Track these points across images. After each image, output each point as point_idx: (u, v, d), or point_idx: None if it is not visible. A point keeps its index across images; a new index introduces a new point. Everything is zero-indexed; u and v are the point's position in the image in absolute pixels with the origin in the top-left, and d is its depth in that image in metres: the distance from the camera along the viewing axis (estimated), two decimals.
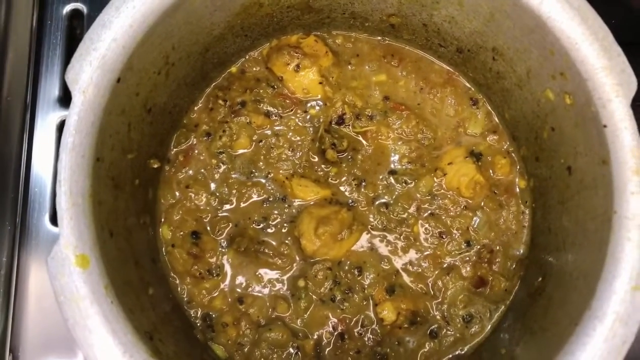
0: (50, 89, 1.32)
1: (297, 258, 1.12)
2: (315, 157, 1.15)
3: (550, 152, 1.03)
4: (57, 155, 1.24)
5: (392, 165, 1.16)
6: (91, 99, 0.83)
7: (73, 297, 0.78)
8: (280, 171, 1.15)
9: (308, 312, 1.10)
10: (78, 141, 0.82)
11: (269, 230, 1.13)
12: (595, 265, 0.84)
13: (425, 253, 1.13)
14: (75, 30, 1.38)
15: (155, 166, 1.10)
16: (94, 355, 0.77)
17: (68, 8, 1.37)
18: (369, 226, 1.13)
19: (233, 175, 1.15)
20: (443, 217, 1.14)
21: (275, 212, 1.14)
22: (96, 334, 0.78)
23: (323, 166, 1.15)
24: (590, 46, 0.85)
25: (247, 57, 1.20)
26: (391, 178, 1.15)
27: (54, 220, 1.25)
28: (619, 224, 0.82)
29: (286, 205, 1.14)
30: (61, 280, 0.78)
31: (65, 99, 1.31)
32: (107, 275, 0.81)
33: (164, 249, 1.13)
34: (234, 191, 1.14)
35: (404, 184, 1.15)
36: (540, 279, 1.04)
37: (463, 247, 1.13)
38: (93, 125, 0.84)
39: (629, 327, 0.78)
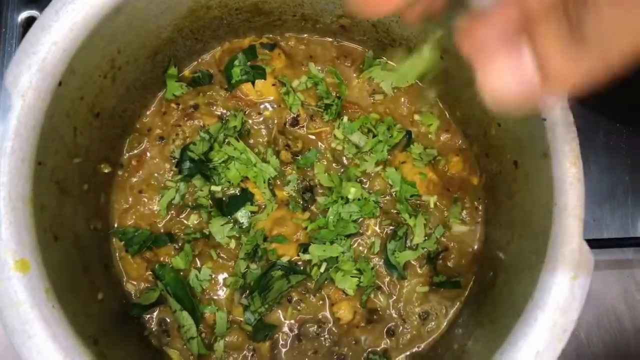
0: (5, 99, 1.30)
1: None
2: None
3: (498, 148, 1.05)
4: None
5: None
6: (31, 102, 0.83)
7: (12, 303, 0.77)
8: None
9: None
10: (17, 145, 0.81)
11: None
12: (538, 257, 0.85)
13: (378, 251, 1.13)
14: None
15: (107, 171, 1.09)
16: None
17: (23, 15, 1.35)
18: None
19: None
20: (397, 215, 1.15)
21: None
22: (36, 339, 0.77)
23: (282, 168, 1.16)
24: None
25: (199, 61, 1.20)
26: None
27: None
28: (559, 215, 0.83)
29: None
30: (0, 286, 0.77)
31: None
32: (48, 279, 0.80)
33: (117, 254, 1.12)
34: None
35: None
36: (491, 273, 1.05)
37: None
38: (34, 129, 0.83)
39: (569, 315, 0.80)
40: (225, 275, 1.12)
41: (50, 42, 0.84)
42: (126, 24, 0.94)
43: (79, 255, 0.95)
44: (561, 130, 0.85)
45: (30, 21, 1.35)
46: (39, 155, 0.84)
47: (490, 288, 1.03)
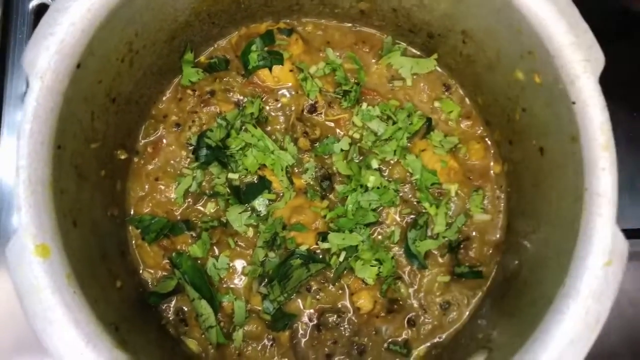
0: (17, 86, 1.29)
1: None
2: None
3: (522, 134, 1.03)
4: None
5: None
6: (49, 84, 0.81)
7: (33, 288, 0.75)
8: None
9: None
10: (37, 128, 0.79)
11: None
12: (568, 244, 0.83)
13: (398, 240, 1.11)
14: None
15: (123, 157, 1.08)
16: (55, 347, 0.74)
17: (34, 3, 1.33)
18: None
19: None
20: (417, 204, 1.13)
21: None
22: (58, 325, 0.75)
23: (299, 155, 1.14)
24: (557, 23, 0.85)
25: (215, 46, 1.18)
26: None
27: None
28: (590, 200, 0.81)
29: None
30: (20, 271, 0.76)
31: None
32: (69, 264, 0.78)
33: (133, 242, 1.10)
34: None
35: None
36: (516, 262, 1.03)
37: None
38: (52, 111, 0.81)
39: (602, 303, 0.78)
40: (244, 263, 1.10)
41: (69, 22, 0.82)
42: (144, 5, 0.92)
43: (97, 242, 0.93)
44: (592, 113, 0.83)
45: (41, 8, 1.33)
46: (57, 138, 0.82)
47: (515, 277, 1.01)
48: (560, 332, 0.78)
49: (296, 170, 1.14)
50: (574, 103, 0.84)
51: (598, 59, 0.83)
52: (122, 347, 0.79)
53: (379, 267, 1.09)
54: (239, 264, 1.10)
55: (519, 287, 0.98)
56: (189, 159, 1.13)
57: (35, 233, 0.77)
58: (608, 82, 0.85)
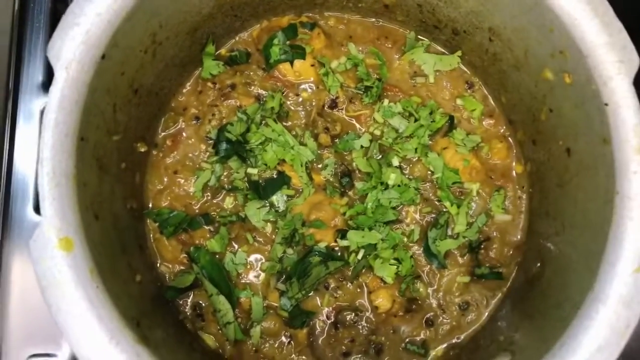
0: (33, 74, 1.28)
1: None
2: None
3: (548, 135, 1.01)
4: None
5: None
6: (74, 75, 0.80)
7: (56, 282, 0.74)
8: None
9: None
10: (61, 119, 0.78)
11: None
12: (597, 247, 0.81)
13: (418, 239, 1.10)
14: (60, 13, 1.32)
15: (143, 150, 1.07)
16: (78, 342, 0.74)
17: None
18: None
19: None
20: (437, 203, 1.12)
21: None
22: (81, 320, 0.74)
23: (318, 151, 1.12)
24: (591, 22, 0.83)
25: (236, 39, 1.17)
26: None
27: (37, 209, 1.21)
28: (621, 204, 0.80)
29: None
30: (43, 264, 0.75)
31: (49, 84, 1.25)
32: (92, 259, 0.77)
33: (151, 235, 1.09)
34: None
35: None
36: (538, 264, 1.02)
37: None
38: (77, 103, 0.80)
39: (632, 309, 0.76)
40: (262, 259, 1.09)
41: (94, 13, 0.81)
42: None
43: (117, 236, 0.93)
44: (625, 115, 0.81)
45: None
46: (81, 130, 0.81)
47: (537, 279, 1.00)
48: (589, 337, 0.77)
49: (316, 166, 1.13)
50: (606, 104, 0.82)
51: (632, 59, 0.82)
52: (144, 343, 0.78)
53: (398, 266, 1.07)
54: (257, 259, 1.09)
55: (542, 289, 0.97)
56: (208, 153, 1.12)
57: (59, 226, 0.76)
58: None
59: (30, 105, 1.25)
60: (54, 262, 0.75)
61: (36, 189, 1.21)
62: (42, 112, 1.24)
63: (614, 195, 0.81)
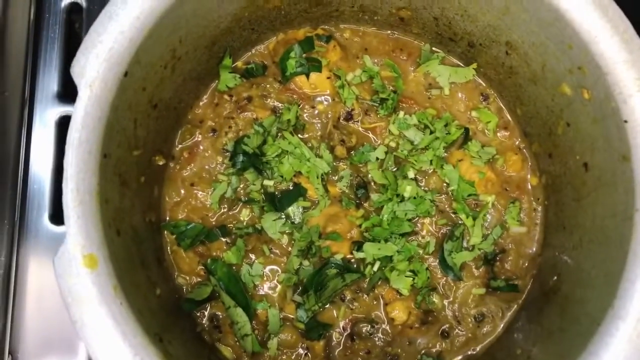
0: (48, 84, 1.29)
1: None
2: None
3: (564, 149, 1.02)
4: (57, 151, 1.24)
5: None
6: (98, 93, 0.80)
7: (81, 299, 0.75)
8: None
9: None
10: (85, 137, 0.79)
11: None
12: (617, 264, 0.82)
13: (433, 251, 1.10)
14: (74, 24, 1.35)
15: (161, 163, 1.07)
16: (103, 358, 0.74)
17: (66, 2, 1.33)
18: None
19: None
20: (452, 215, 1.12)
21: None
22: (105, 336, 0.75)
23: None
24: (611, 39, 0.84)
25: (253, 52, 1.17)
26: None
27: (53, 218, 1.22)
28: None
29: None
30: (69, 281, 0.76)
31: (64, 94, 1.28)
32: (115, 275, 0.78)
33: (169, 247, 1.10)
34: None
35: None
36: (555, 277, 1.02)
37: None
38: (100, 120, 0.81)
39: None
40: (278, 271, 1.10)
41: (118, 31, 0.82)
42: (191, 12, 0.91)
43: (137, 250, 0.93)
44: None
45: (73, 7, 1.33)
46: (104, 147, 0.82)
47: (554, 292, 1.00)
48: (609, 354, 0.77)
49: (332, 178, 1.13)
50: (625, 122, 0.83)
51: None
52: (167, 358, 0.79)
53: (414, 278, 1.08)
54: (273, 271, 1.10)
55: (559, 303, 0.97)
56: (224, 165, 1.13)
57: (84, 243, 0.77)
58: None
59: (46, 114, 1.27)
60: (79, 279, 0.76)
61: (52, 198, 1.23)
62: (57, 121, 1.26)
63: (633, 212, 0.81)
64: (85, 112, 0.80)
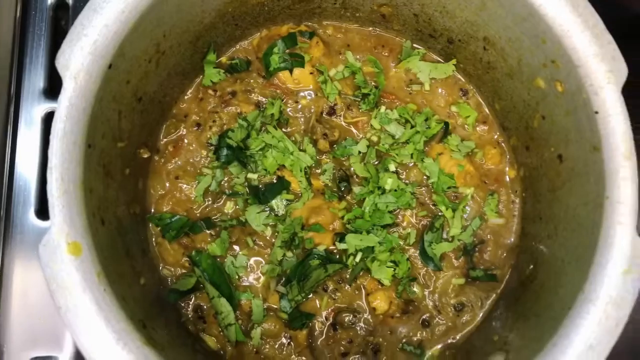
0: (35, 81, 1.30)
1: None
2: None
3: (540, 141, 1.04)
4: (43, 147, 1.25)
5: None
6: (83, 84, 0.82)
7: (65, 285, 0.77)
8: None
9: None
10: (69, 128, 0.81)
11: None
12: (588, 250, 0.85)
13: (414, 242, 1.13)
14: (61, 21, 1.36)
15: (145, 156, 1.09)
16: (86, 343, 0.76)
17: None
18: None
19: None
20: (432, 207, 1.15)
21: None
22: (89, 322, 0.76)
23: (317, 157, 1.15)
24: (582, 34, 0.86)
25: (237, 47, 1.19)
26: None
27: (39, 213, 1.23)
28: (611, 208, 0.83)
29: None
30: (53, 268, 0.77)
31: (50, 90, 1.29)
32: (99, 263, 0.80)
33: (154, 239, 1.11)
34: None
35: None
36: (531, 266, 1.05)
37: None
38: (84, 111, 0.82)
39: (622, 309, 0.79)
40: (262, 262, 1.11)
41: (102, 24, 0.84)
42: (175, 7, 0.93)
43: (122, 240, 0.95)
44: (614, 123, 0.84)
45: (60, 5, 1.34)
46: (88, 138, 0.83)
47: (531, 281, 1.03)
48: (580, 336, 0.80)
49: (315, 172, 1.15)
50: (596, 113, 0.85)
51: (621, 69, 0.85)
52: (151, 344, 0.80)
53: (395, 269, 1.10)
54: (257, 262, 1.12)
55: (535, 290, 1.00)
56: (209, 159, 1.14)
57: (68, 231, 0.78)
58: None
59: (32, 111, 1.27)
60: (63, 266, 0.77)
61: (38, 194, 1.23)
62: (43, 118, 1.27)
63: (604, 200, 0.84)
64: (70, 103, 0.81)
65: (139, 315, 0.84)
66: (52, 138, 0.80)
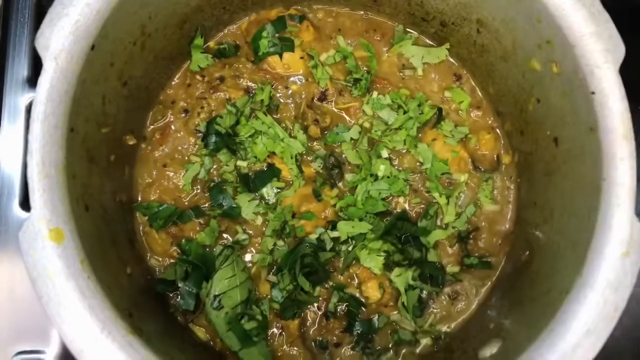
0: (18, 70, 1.26)
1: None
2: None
3: (535, 125, 1.02)
4: (27, 137, 1.22)
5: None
6: (64, 66, 0.79)
7: (47, 273, 0.74)
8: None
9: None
10: (50, 110, 0.78)
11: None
12: (585, 234, 0.83)
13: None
14: (45, 8, 1.31)
15: (131, 143, 1.06)
16: (69, 333, 0.73)
17: None
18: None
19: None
20: (426, 194, 1.12)
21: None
22: (72, 310, 0.74)
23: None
24: (578, 12, 0.84)
25: (225, 32, 1.17)
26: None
27: (24, 205, 1.20)
28: (609, 190, 0.81)
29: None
30: (34, 256, 0.74)
31: (34, 79, 1.24)
32: (83, 250, 0.77)
33: (141, 229, 1.09)
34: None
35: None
36: (527, 252, 1.03)
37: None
38: (66, 93, 0.80)
39: (620, 293, 0.78)
40: (252, 251, 1.09)
41: (83, 3, 0.81)
42: None
43: (107, 228, 0.92)
44: (612, 103, 0.82)
45: None
46: (70, 121, 0.81)
47: (526, 267, 1.01)
48: (578, 322, 0.78)
49: (306, 159, 1.13)
50: (593, 93, 0.83)
51: (619, 48, 0.83)
52: (136, 333, 0.78)
53: (386, 257, 1.08)
54: (247, 252, 1.09)
55: (531, 277, 0.98)
56: (197, 146, 1.12)
57: (49, 217, 0.75)
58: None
59: (16, 100, 1.24)
60: (44, 253, 0.74)
61: (23, 186, 1.20)
62: (27, 107, 1.23)
63: (600, 182, 0.82)
64: (51, 85, 0.78)
65: (124, 304, 0.81)
66: (32, 121, 0.77)
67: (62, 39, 0.79)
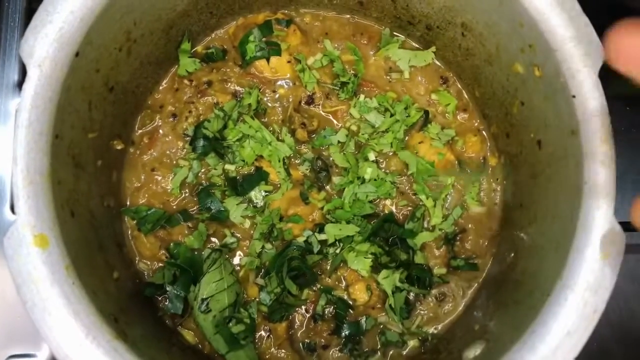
0: (8, 74, 1.27)
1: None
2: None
3: (520, 127, 1.03)
4: None
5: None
6: (48, 73, 0.80)
7: (32, 279, 0.74)
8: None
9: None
10: (35, 117, 0.78)
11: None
12: (566, 236, 0.83)
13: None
14: (35, 12, 1.32)
15: (119, 147, 1.07)
16: (54, 338, 0.74)
17: None
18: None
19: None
20: (413, 196, 1.13)
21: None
22: (57, 316, 0.74)
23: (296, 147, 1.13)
24: (558, 17, 0.85)
25: (212, 36, 1.17)
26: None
27: (14, 209, 1.20)
28: (589, 193, 0.81)
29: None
30: (18, 261, 0.75)
31: None
32: (68, 255, 0.78)
33: (129, 233, 1.09)
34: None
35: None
36: (512, 254, 1.04)
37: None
38: (51, 100, 0.80)
39: (600, 295, 0.78)
40: (240, 255, 1.10)
41: (68, 10, 0.81)
42: None
43: (94, 233, 0.93)
44: (592, 107, 0.83)
45: None
46: (56, 128, 0.81)
47: (512, 269, 1.02)
48: (558, 323, 0.78)
49: (293, 162, 1.13)
50: (574, 97, 0.84)
51: (598, 52, 0.84)
52: (122, 338, 0.78)
53: (373, 259, 1.09)
54: (236, 255, 1.10)
55: (515, 278, 0.99)
56: (185, 150, 1.12)
57: (34, 223, 0.76)
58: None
59: (6, 104, 1.25)
60: (29, 259, 0.75)
61: (12, 189, 1.21)
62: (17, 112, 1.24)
63: (582, 185, 0.83)
64: (35, 92, 0.79)
65: (110, 309, 0.82)
66: (16, 127, 0.78)
67: (46, 46, 0.80)
